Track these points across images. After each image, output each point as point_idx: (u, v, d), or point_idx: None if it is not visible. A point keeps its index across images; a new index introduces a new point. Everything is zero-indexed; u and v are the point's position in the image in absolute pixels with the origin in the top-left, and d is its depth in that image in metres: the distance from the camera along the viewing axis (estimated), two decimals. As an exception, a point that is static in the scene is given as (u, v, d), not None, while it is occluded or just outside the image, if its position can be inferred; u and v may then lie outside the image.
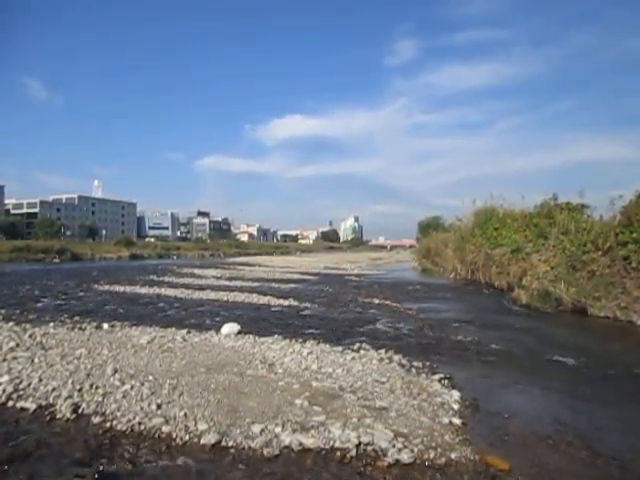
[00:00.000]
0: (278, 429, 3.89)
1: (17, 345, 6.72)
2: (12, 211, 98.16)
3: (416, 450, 3.60)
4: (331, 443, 3.70)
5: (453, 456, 3.55)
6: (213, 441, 3.68)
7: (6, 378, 5.10)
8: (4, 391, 4.75)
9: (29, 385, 4.92)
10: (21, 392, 4.75)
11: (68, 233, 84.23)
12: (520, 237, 16.98)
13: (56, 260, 44.44)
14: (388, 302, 13.35)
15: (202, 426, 3.92)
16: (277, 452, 3.57)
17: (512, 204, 20.80)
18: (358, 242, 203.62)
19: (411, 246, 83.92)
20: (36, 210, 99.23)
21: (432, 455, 3.55)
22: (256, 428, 3.88)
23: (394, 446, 3.63)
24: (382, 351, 6.82)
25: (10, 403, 4.52)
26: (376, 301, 13.50)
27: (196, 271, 27.27)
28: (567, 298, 11.69)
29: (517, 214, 19.24)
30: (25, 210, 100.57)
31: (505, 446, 3.88)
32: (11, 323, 8.54)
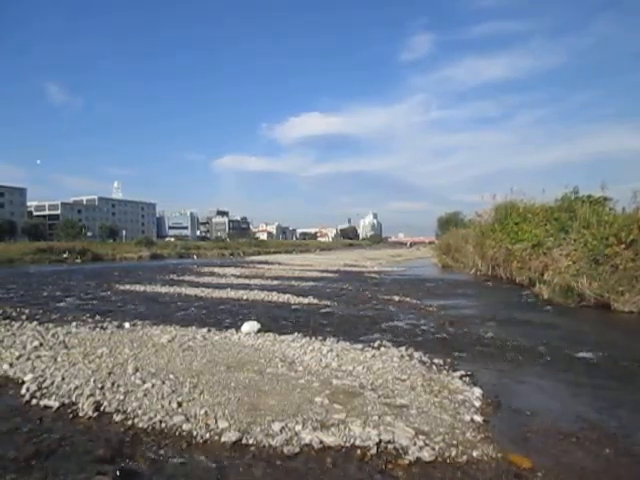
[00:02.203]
0: (298, 427, 3.88)
1: (40, 344, 6.84)
2: (34, 213, 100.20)
3: (437, 448, 3.56)
4: (351, 441, 3.67)
5: (475, 454, 3.50)
6: (234, 439, 3.69)
7: (30, 377, 5.20)
8: (28, 389, 4.84)
9: (52, 383, 5.00)
10: (44, 390, 4.84)
11: (89, 234, 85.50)
12: (541, 232, 16.72)
13: (78, 261, 45.14)
14: (408, 299, 13.26)
15: (222, 424, 3.93)
16: (297, 450, 3.56)
17: (532, 198, 20.49)
18: (377, 239, 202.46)
19: (431, 242, 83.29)
20: (58, 212, 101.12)
21: (453, 453, 3.50)
22: (276, 426, 3.88)
23: (415, 444, 3.59)
24: (402, 348, 6.76)
25: (34, 401, 4.60)
26: (396, 298, 13.40)
27: (216, 270, 27.48)
28: (589, 293, 11.47)
29: (537, 208, 18.93)
30: (47, 212, 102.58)
31: (528, 444, 3.81)
32: (35, 323, 8.71)
